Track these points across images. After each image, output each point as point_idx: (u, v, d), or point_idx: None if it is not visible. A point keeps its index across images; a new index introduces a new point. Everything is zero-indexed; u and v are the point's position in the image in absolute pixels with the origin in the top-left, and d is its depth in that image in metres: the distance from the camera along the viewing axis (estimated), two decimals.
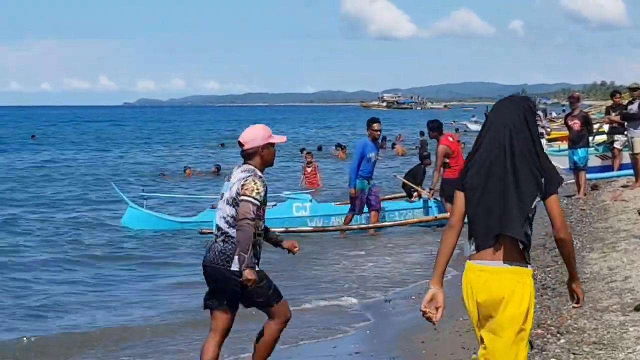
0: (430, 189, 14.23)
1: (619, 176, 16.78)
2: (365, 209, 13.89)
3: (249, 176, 5.51)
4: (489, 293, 3.83)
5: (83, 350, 7.59)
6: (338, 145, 34.96)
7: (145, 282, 10.69)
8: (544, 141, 17.78)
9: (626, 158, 16.70)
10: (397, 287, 9.84)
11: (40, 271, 11.30)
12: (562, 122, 20.38)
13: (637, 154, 14.95)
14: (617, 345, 5.83)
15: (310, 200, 14.63)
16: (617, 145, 17.47)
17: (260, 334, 5.72)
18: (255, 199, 5.43)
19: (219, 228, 5.59)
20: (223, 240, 5.54)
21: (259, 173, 5.59)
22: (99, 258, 12.25)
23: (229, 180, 5.63)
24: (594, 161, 17.49)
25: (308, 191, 16.91)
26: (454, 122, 64.24)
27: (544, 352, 5.90)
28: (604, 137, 19.30)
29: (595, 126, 19.01)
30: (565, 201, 14.21)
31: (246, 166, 5.62)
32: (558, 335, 6.31)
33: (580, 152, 14.86)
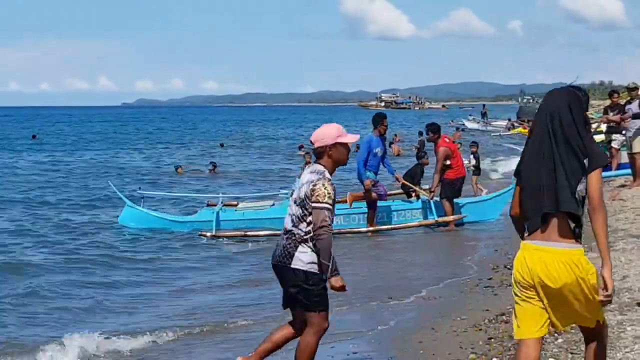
0: (431, 191, 14.27)
1: (616, 176, 16.77)
2: (365, 209, 13.92)
3: (318, 180, 5.41)
4: (545, 271, 4.07)
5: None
6: None
7: (140, 287, 10.56)
8: None
9: (624, 157, 16.71)
10: (396, 287, 9.84)
11: (39, 273, 11.22)
12: None
13: (635, 153, 14.96)
14: (614, 345, 5.84)
15: None
16: (614, 144, 17.48)
17: (297, 349, 5.50)
18: (328, 204, 5.37)
19: (286, 225, 5.53)
20: (286, 238, 5.47)
21: (328, 175, 5.49)
22: (94, 262, 12.02)
23: (299, 178, 5.57)
24: None
25: None
26: (452, 121, 64.17)
27: (542, 352, 5.90)
28: (601, 137, 19.30)
29: (594, 126, 18.99)
30: None
31: (316, 166, 5.54)
32: (556, 334, 6.32)
33: None
